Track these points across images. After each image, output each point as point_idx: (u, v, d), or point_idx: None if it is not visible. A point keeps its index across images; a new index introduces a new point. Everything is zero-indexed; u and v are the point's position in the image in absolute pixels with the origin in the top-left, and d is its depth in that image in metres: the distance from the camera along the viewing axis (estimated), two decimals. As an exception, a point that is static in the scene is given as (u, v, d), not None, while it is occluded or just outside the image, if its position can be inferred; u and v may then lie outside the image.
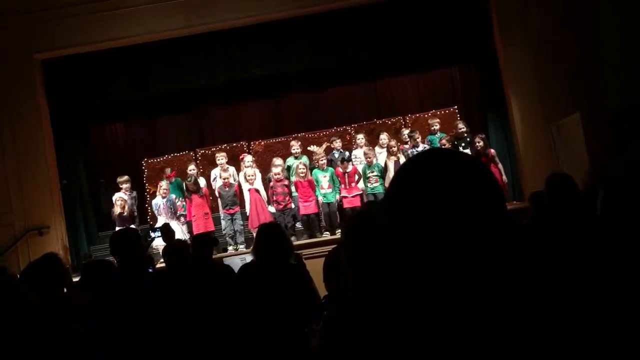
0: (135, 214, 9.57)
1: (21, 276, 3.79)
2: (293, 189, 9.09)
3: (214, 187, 9.46)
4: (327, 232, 8.85)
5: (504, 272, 0.95)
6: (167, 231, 7.13)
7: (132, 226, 8.41)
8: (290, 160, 9.60)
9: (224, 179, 9.07)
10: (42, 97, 9.69)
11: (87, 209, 10.41)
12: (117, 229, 8.09)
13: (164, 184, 9.26)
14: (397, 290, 1.00)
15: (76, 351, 1.95)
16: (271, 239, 3.87)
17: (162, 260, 6.61)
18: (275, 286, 3.68)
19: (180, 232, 8.69)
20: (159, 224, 8.79)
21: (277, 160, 9.36)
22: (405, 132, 9.96)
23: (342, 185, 9.03)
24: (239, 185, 9.30)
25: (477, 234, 0.94)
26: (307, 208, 8.89)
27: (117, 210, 9.02)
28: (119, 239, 3.81)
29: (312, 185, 8.95)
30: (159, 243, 7.62)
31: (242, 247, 8.73)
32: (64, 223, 9.63)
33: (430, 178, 0.98)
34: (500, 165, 9.12)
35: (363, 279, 1.54)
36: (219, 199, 9.23)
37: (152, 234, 7.49)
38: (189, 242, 6.60)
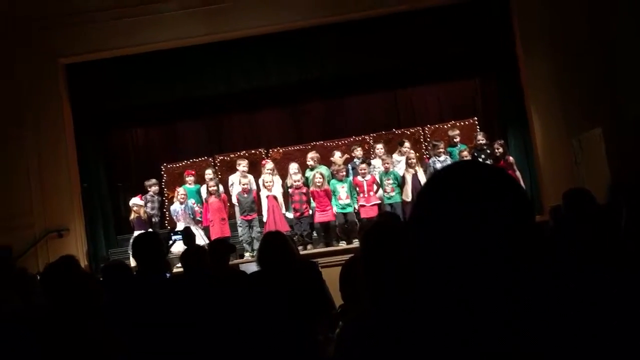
0: (154, 219, 9.65)
1: (40, 278, 3.83)
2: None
3: (231, 193, 9.50)
4: (344, 242, 8.83)
5: (534, 288, 0.95)
6: (188, 234, 7.14)
7: (150, 230, 8.48)
8: (308, 172, 9.59)
9: (243, 184, 9.11)
10: (65, 100, 9.82)
11: (107, 212, 10.47)
12: (136, 233, 8.16)
13: (181, 189, 9.33)
14: (422, 303, 0.99)
15: (110, 354, 1.99)
16: (272, 248, 3.86)
17: (178, 265, 6.66)
18: (276, 294, 3.68)
19: (200, 237, 8.73)
20: (179, 229, 8.85)
21: (294, 168, 9.35)
22: (434, 142, 9.77)
23: (361, 195, 9.01)
24: (257, 192, 9.33)
25: (509, 251, 0.94)
26: (323, 217, 8.89)
27: (132, 215, 9.17)
28: (141, 242, 3.78)
29: (329, 194, 8.93)
30: (179, 248, 7.66)
31: (258, 254, 8.74)
32: (83, 226, 9.71)
33: (460, 194, 0.98)
34: (518, 173, 9.02)
35: (380, 290, 1.54)
36: (236, 205, 9.26)
37: (174, 237, 7.53)
38: (206, 247, 6.64)
